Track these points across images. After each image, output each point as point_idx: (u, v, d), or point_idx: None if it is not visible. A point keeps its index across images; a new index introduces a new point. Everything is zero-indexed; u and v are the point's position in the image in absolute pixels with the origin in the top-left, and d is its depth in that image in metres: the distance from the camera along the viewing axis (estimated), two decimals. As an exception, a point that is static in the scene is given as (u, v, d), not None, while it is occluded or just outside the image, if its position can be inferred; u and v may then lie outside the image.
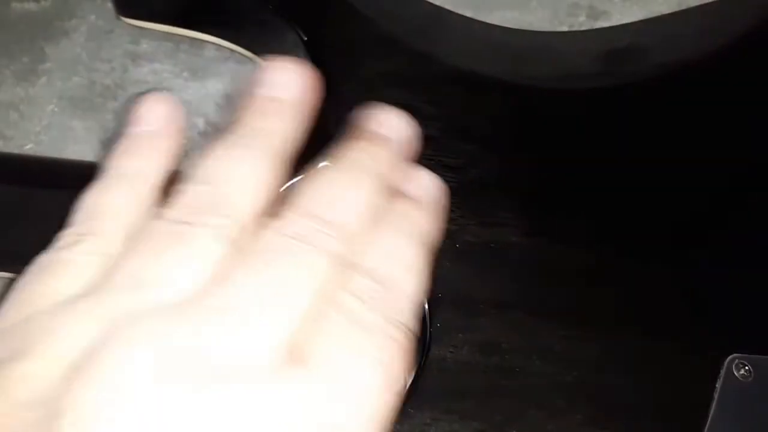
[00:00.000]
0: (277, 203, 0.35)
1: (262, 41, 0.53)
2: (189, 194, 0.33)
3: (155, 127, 0.38)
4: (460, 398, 0.44)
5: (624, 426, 0.45)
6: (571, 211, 0.50)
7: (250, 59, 0.54)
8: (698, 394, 0.47)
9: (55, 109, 0.56)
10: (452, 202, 0.45)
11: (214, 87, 0.58)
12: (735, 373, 0.47)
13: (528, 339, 0.46)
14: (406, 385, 0.40)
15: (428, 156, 0.45)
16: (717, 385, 0.47)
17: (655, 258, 0.50)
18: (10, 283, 0.34)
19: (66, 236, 0.34)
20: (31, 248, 0.35)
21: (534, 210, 0.50)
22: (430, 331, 0.46)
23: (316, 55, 0.50)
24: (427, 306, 0.46)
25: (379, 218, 0.35)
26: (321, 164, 0.37)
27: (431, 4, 0.57)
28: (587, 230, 0.50)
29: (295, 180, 0.37)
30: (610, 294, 0.49)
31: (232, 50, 0.55)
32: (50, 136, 0.57)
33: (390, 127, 0.38)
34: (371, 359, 0.31)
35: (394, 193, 0.37)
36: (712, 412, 0.46)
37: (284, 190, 0.36)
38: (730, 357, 0.47)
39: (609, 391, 0.46)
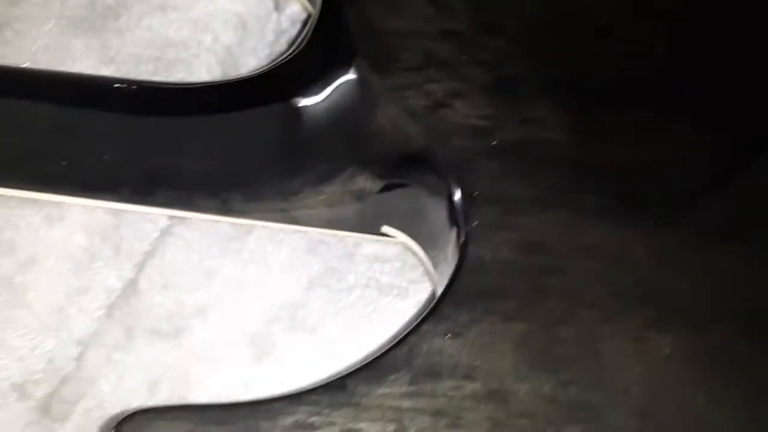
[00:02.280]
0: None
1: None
2: None
3: None
4: (501, 299, 0.39)
5: (686, 332, 0.40)
6: (610, 105, 0.46)
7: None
8: None
9: (54, 29, 0.51)
10: (487, 99, 0.42)
11: (225, 4, 0.54)
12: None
13: (574, 238, 0.42)
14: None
15: (457, 52, 0.43)
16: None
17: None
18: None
19: None
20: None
21: (571, 106, 0.46)
22: (466, 231, 0.42)
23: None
24: (461, 203, 0.42)
25: None
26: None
27: None
28: (627, 124, 0.46)
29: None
30: (659, 189, 0.44)
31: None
32: (48, 56, 0.53)
33: None
34: None
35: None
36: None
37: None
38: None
39: (668, 293, 0.41)
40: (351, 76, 0.46)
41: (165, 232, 0.49)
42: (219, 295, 0.49)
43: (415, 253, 0.47)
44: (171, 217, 0.48)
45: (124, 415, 0.38)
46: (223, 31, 0.53)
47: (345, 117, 0.45)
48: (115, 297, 0.48)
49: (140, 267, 0.49)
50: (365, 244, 0.50)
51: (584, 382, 0.40)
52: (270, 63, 0.49)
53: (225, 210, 0.45)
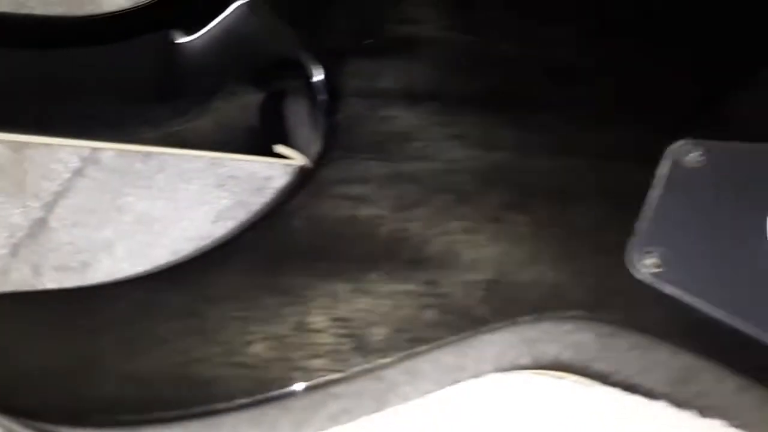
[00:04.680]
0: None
1: None
2: None
3: None
4: (360, 184, 0.38)
5: (548, 210, 0.38)
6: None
7: None
8: (637, 180, 0.40)
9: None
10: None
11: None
12: (683, 157, 0.40)
13: (443, 128, 0.41)
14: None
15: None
16: (661, 171, 0.39)
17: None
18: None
19: None
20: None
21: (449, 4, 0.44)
22: (331, 123, 0.42)
23: None
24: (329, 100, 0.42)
25: None
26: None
27: None
28: (503, 20, 0.44)
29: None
30: (535, 78, 0.43)
31: None
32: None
33: None
34: None
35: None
36: (656, 196, 0.38)
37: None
38: (679, 142, 0.40)
39: (532, 175, 0.40)
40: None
41: (77, 173, 0.49)
42: (128, 230, 0.48)
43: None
44: (83, 159, 0.48)
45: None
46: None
47: (224, 34, 0.44)
48: (22, 236, 0.47)
49: (50, 207, 0.49)
50: (277, 177, 0.49)
51: (434, 262, 0.37)
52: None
53: (119, 136, 0.45)
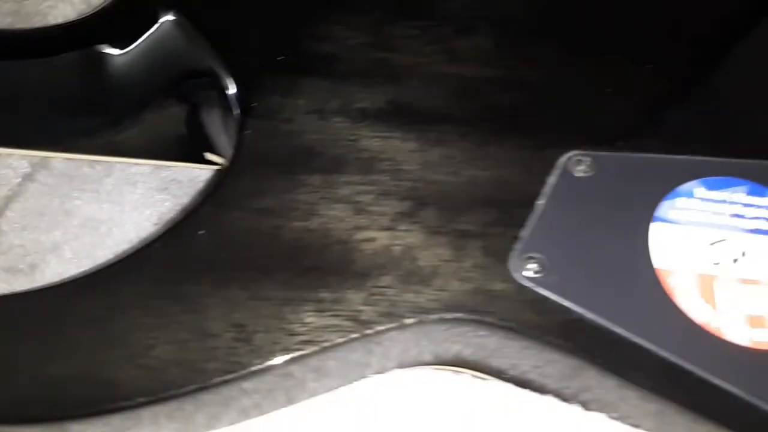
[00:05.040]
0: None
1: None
2: None
3: None
4: (264, 197, 0.43)
5: (440, 219, 0.42)
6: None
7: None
8: (526, 190, 0.43)
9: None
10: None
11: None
12: (572, 168, 0.43)
13: (350, 143, 0.46)
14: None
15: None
16: (550, 182, 0.42)
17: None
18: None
19: None
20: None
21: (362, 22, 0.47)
22: (240, 138, 0.45)
23: None
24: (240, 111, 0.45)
25: None
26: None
27: None
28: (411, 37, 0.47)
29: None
30: (439, 93, 0.46)
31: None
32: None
33: None
34: None
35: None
36: (542, 205, 0.41)
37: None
38: (568, 154, 0.43)
39: (430, 186, 0.44)
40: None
41: (27, 178, 0.52)
42: (75, 233, 0.51)
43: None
44: (33, 164, 0.51)
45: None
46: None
47: (153, 49, 0.47)
48: (-29, 241, 0.49)
49: (0, 211, 0.51)
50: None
51: (329, 270, 0.40)
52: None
53: (59, 146, 0.48)
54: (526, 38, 0.49)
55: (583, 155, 0.44)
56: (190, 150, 0.49)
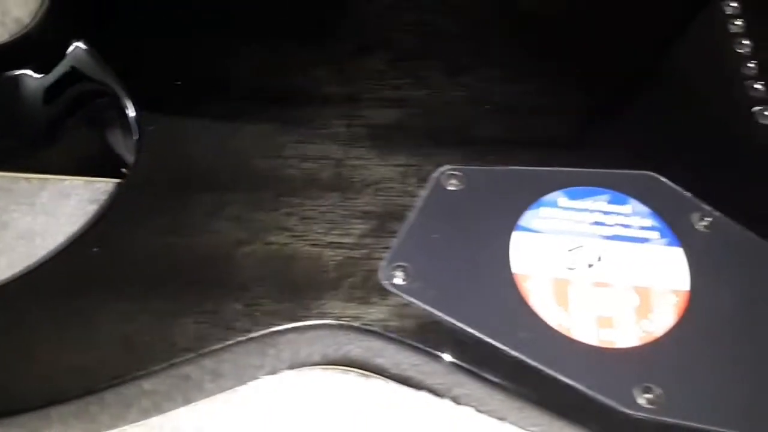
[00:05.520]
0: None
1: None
2: None
3: None
4: (157, 215, 0.46)
5: (316, 228, 0.47)
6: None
7: None
8: (401, 203, 0.47)
9: None
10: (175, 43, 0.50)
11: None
12: (444, 182, 0.47)
13: (237, 159, 0.49)
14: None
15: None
16: (423, 194, 0.46)
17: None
18: None
19: None
20: None
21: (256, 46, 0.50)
22: (138, 158, 0.49)
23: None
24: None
25: None
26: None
27: None
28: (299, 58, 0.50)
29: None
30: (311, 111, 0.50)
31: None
32: None
33: None
34: None
35: None
36: (413, 217, 0.46)
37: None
38: (442, 168, 0.47)
39: (310, 201, 0.47)
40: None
41: (-37, 194, 0.56)
42: (11, 244, 0.55)
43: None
44: (-31, 180, 0.56)
45: None
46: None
47: (68, 73, 0.52)
48: None
49: (-63, 225, 0.54)
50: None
51: (208, 281, 0.45)
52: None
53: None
54: (407, 58, 0.52)
55: (455, 170, 0.47)
56: (110, 165, 0.53)
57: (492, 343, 0.43)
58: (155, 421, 0.47)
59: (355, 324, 0.44)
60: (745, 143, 0.51)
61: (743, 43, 0.56)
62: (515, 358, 0.42)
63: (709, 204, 0.48)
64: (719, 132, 0.51)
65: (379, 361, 0.46)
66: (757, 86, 0.53)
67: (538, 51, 0.53)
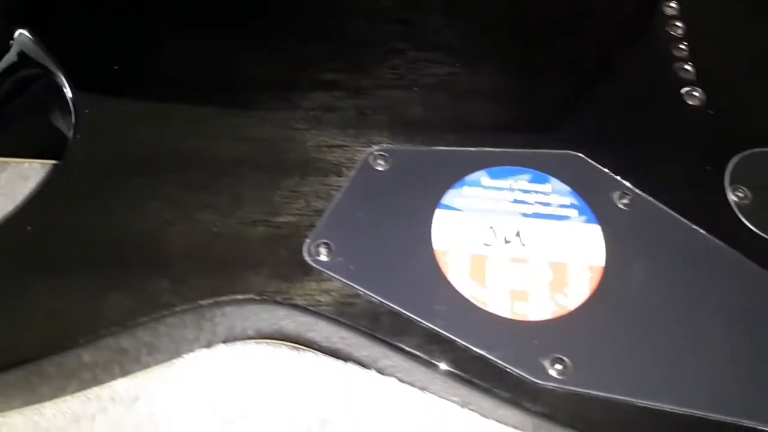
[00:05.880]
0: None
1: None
2: None
3: None
4: (91, 197, 0.48)
5: (245, 207, 0.49)
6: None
7: None
8: (330, 183, 0.50)
9: None
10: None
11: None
12: (372, 163, 0.49)
13: (170, 144, 0.50)
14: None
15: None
16: (351, 174, 0.48)
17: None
18: None
19: None
20: None
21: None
22: (72, 141, 0.50)
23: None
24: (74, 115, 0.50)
25: None
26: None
27: None
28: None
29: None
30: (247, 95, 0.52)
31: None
32: None
33: None
34: None
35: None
36: (339, 197, 0.48)
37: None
38: (371, 148, 0.49)
39: (240, 180, 0.49)
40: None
41: None
42: None
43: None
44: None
45: None
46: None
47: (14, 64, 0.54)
48: None
49: None
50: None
51: (136, 259, 0.47)
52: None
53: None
54: (339, 42, 0.54)
55: (383, 150, 0.49)
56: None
57: (408, 315, 0.44)
58: (94, 391, 0.48)
59: (278, 299, 0.44)
60: (672, 124, 0.52)
61: (676, 25, 0.56)
62: (430, 329, 0.44)
63: (634, 183, 0.50)
64: (647, 112, 0.52)
65: (311, 335, 0.48)
66: (687, 67, 0.54)
67: (466, 33, 0.54)
